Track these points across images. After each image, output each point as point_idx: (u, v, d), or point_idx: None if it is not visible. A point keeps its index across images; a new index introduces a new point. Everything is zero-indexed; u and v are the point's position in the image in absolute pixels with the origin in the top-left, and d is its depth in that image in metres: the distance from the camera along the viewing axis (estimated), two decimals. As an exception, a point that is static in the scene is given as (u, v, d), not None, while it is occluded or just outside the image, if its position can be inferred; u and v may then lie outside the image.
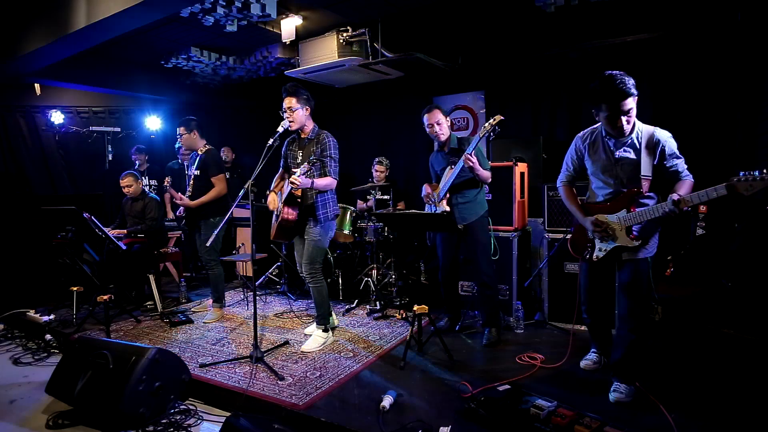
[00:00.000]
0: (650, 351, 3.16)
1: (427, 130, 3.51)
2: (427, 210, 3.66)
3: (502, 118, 3.16)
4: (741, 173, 2.00)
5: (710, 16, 3.90)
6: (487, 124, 3.21)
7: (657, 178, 2.42)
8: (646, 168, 2.37)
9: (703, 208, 3.55)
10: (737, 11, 3.78)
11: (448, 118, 3.52)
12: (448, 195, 3.49)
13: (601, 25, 4.31)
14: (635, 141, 2.41)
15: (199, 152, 4.19)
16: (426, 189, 3.66)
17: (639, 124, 2.44)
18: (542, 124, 4.96)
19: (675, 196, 2.22)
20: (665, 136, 2.38)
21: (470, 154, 3.22)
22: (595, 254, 2.58)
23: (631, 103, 2.30)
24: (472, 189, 3.49)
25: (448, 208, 3.47)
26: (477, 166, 3.24)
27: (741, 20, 3.78)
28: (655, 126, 2.45)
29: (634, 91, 2.28)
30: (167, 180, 4.59)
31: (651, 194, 2.46)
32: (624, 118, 2.33)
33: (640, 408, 2.47)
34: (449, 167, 3.48)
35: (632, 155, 2.42)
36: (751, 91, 3.86)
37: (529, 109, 5.05)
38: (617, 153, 2.46)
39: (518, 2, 3.98)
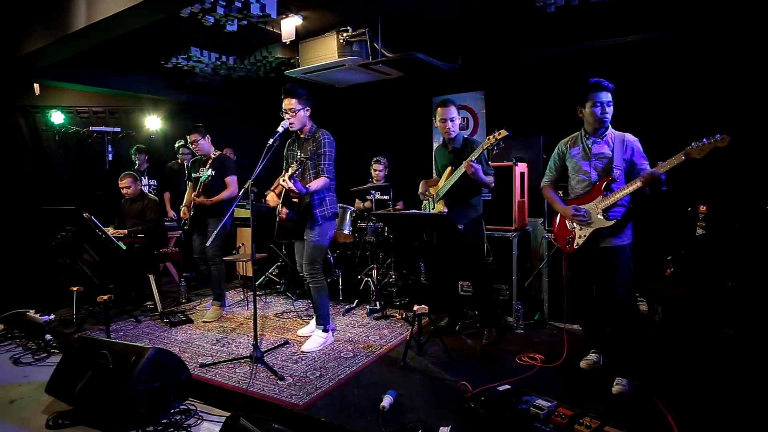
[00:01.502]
0: (650, 351, 3.17)
1: (438, 123, 3.48)
2: (423, 207, 3.66)
3: (507, 133, 3.10)
4: (693, 143, 2.39)
5: (710, 16, 3.90)
6: (491, 138, 3.13)
7: (627, 172, 2.72)
8: (618, 160, 2.70)
9: (703, 208, 3.56)
10: (737, 11, 3.78)
11: (459, 115, 3.49)
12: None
13: (601, 25, 4.31)
14: (609, 140, 2.76)
15: (213, 155, 4.26)
16: (422, 186, 3.66)
17: (612, 129, 2.78)
18: (542, 124, 4.96)
19: (643, 172, 2.58)
20: (633, 139, 2.75)
21: (473, 162, 3.19)
22: (576, 242, 2.78)
23: (610, 96, 2.70)
24: (470, 193, 3.47)
25: (445, 210, 3.46)
26: (480, 173, 3.22)
27: (741, 20, 3.78)
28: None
29: (611, 86, 2.71)
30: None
31: (623, 182, 2.70)
32: (607, 108, 2.70)
33: (640, 408, 2.47)
34: (450, 167, 3.47)
35: (607, 150, 2.75)
36: (751, 91, 3.86)
37: (529, 109, 5.04)
38: (594, 149, 2.78)
39: (518, 2, 3.98)
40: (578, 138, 2.89)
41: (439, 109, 3.46)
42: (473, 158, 3.20)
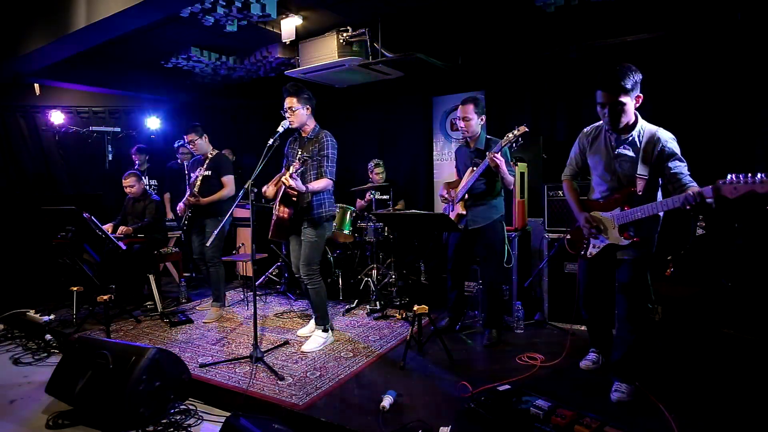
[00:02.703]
0: (650, 351, 3.16)
1: (457, 122, 3.47)
2: (444, 210, 3.64)
3: (526, 129, 3.05)
4: (729, 176, 1.96)
5: (710, 16, 3.90)
6: (510, 135, 3.10)
7: (653, 180, 2.40)
8: (642, 167, 2.35)
9: (703, 208, 3.54)
10: (737, 11, 3.78)
11: (481, 117, 3.43)
12: (466, 196, 3.44)
13: (601, 25, 4.31)
14: (636, 139, 2.40)
15: (210, 155, 4.26)
16: (443, 188, 3.64)
17: (642, 123, 2.43)
18: (542, 124, 4.96)
19: (682, 178, 2.22)
20: (666, 137, 2.34)
21: (497, 154, 3.14)
22: (589, 251, 2.62)
23: (623, 98, 2.28)
24: (490, 192, 3.43)
25: (464, 211, 3.44)
26: (503, 167, 3.18)
27: (741, 20, 3.78)
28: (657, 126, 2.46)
29: (627, 86, 2.25)
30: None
31: (646, 195, 2.41)
32: (608, 111, 2.33)
33: (640, 408, 2.47)
34: (472, 167, 3.43)
35: (631, 153, 2.41)
36: (751, 91, 3.86)
37: (529, 109, 5.04)
38: (617, 149, 2.45)
39: (518, 2, 3.98)
40: (602, 131, 2.55)
41: (459, 107, 3.44)
42: (496, 150, 3.16)
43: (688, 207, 2.10)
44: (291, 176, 3.09)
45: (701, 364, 3.00)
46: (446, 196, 3.60)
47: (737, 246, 3.41)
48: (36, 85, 5.62)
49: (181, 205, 4.24)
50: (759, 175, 1.89)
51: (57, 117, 5.77)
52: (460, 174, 3.61)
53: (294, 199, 3.32)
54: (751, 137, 3.87)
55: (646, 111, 4.36)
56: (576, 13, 3.96)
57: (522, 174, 4.01)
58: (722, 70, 3.98)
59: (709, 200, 2.06)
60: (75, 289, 4.28)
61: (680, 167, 2.30)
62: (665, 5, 3.97)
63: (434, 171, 5.86)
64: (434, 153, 5.86)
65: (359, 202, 5.42)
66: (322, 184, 3.30)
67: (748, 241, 3.39)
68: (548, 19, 4.11)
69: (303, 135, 3.46)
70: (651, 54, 4.30)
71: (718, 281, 3.37)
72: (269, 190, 3.51)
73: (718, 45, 3.97)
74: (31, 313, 4.21)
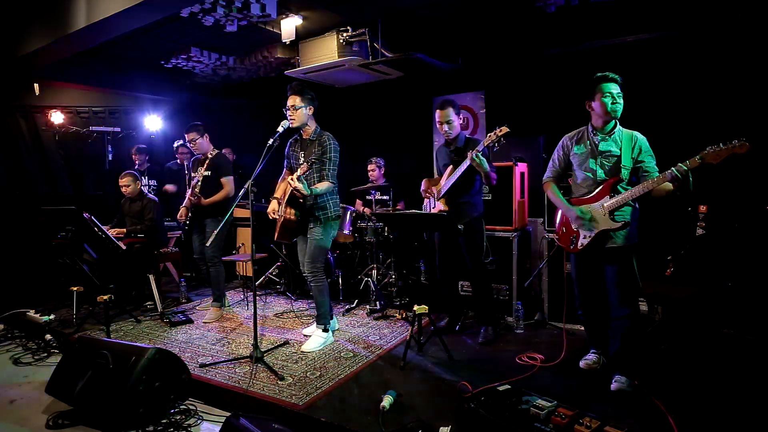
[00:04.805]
0: (650, 351, 3.17)
1: (437, 125, 3.51)
2: (425, 205, 3.67)
3: (507, 130, 3.09)
4: (708, 147, 2.29)
5: (710, 16, 3.90)
6: (492, 134, 3.13)
7: (634, 172, 2.66)
8: (626, 159, 2.62)
9: (703, 208, 3.55)
10: (737, 11, 3.78)
11: (460, 116, 3.51)
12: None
13: (601, 25, 4.31)
14: (617, 137, 2.68)
15: (210, 155, 4.25)
16: (424, 184, 3.67)
17: (619, 126, 2.71)
18: (542, 124, 4.96)
19: (651, 172, 2.55)
20: (641, 137, 2.67)
21: (478, 153, 3.17)
22: (580, 242, 2.74)
23: (619, 89, 2.64)
24: (470, 191, 3.48)
25: (446, 208, 3.47)
26: (486, 164, 3.21)
27: (741, 20, 3.78)
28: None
29: (619, 78, 2.66)
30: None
31: (630, 184, 2.64)
32: (618, 99, 2.63)
33: (640, 408, 2.47)
34: (452, 166, 3.48)
35: (614, 148, 2.67)
36: (751, 91, 3.86)
37: (529, 109, 5.04)
38: (601, 146, 2.70)
39: (518, 2, 3.98)
40: (584, 134, 2.80)
41: (437, 111, 3.48)
42: (477, 150, 3.18)
43: (670, 179, 2.36)
44: (298, 178, 3.10)
45: (701, 364, 3.00)
46: (427, 191, 3.64)
47: (737, 246, 3.41)
48: (36, 85, 5.62)
49: (182, 209, 4.24)
50: (735, 141, 2.23)
51: (57, 117, 5.77)
52: (441, 172, 3.66)
53: (300, 200, 3.34)
54: (751, 137, 3.87)
55: (646, 110, 4.37)
56: (576, 13, 3.97)
57: (522, 174, 4.01)
58: (722, 70, 3.98)
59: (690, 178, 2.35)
60: (75, 289, 4.27)
61: (653, 163, 2.61)
62: (665, 5, 3.97)
63: (434, 171, 5.85)
64: (434, 153, 5.85)
65: (359, 203, 5.43)
66: (324, 186, 3.33)
67: (748, 241, 3.40)
68: (548, 19, 4.12)
69: (304, 136, 3.46)
70: (651, 54, 4.30)
71: (718, 281, 3.37)
72: (271, 209, 3.51)
73: (718, 45, 3.97)
74: (31, 313, 4.21)
